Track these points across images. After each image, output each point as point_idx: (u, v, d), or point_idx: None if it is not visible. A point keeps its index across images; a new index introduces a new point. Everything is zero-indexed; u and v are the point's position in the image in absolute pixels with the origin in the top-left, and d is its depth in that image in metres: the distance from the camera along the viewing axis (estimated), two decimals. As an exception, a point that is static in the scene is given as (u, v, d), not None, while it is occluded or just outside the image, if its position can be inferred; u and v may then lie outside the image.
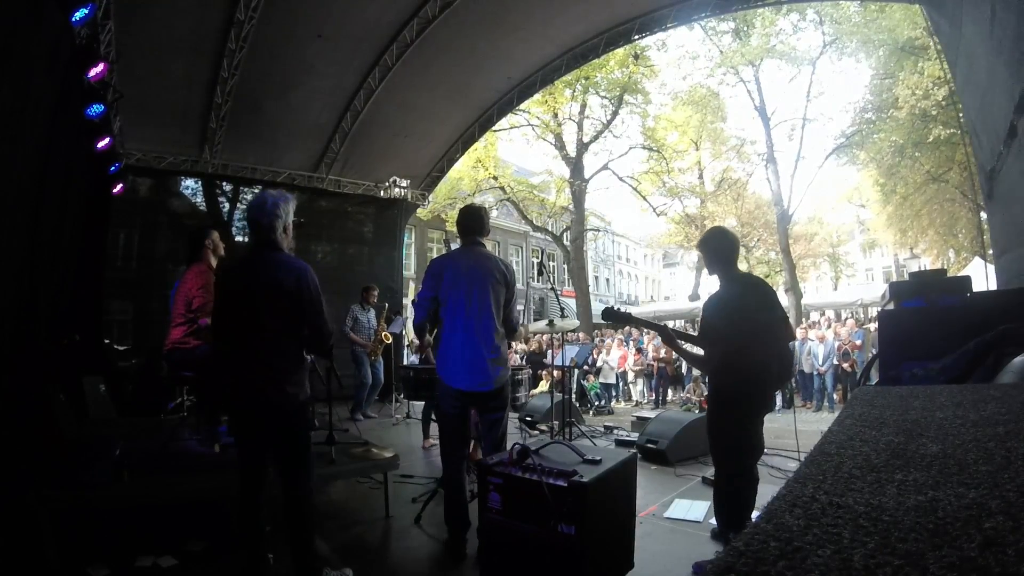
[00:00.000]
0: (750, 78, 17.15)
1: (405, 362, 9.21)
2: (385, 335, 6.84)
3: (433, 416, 5.13)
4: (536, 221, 20.33)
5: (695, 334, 2.97)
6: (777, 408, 9.55)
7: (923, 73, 12.99)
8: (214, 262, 3.57)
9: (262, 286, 2.24)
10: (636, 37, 8.16)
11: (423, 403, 5.36)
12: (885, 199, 17.43)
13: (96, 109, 5.02)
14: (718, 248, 2.80)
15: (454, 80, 8.21)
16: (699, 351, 2.92)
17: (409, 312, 11.04)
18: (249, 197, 8.67)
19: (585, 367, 10.91)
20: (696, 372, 10.59)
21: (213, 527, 2.84)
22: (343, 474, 3.47)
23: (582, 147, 18.67)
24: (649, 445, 4.63)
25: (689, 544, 2.86)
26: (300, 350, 2.35)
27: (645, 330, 15.84)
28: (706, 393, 3.01)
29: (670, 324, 3.02)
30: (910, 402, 1.13)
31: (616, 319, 3.00)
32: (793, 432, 4.31)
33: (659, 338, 2.91)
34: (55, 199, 4.21)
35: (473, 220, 2.98)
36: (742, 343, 2.57)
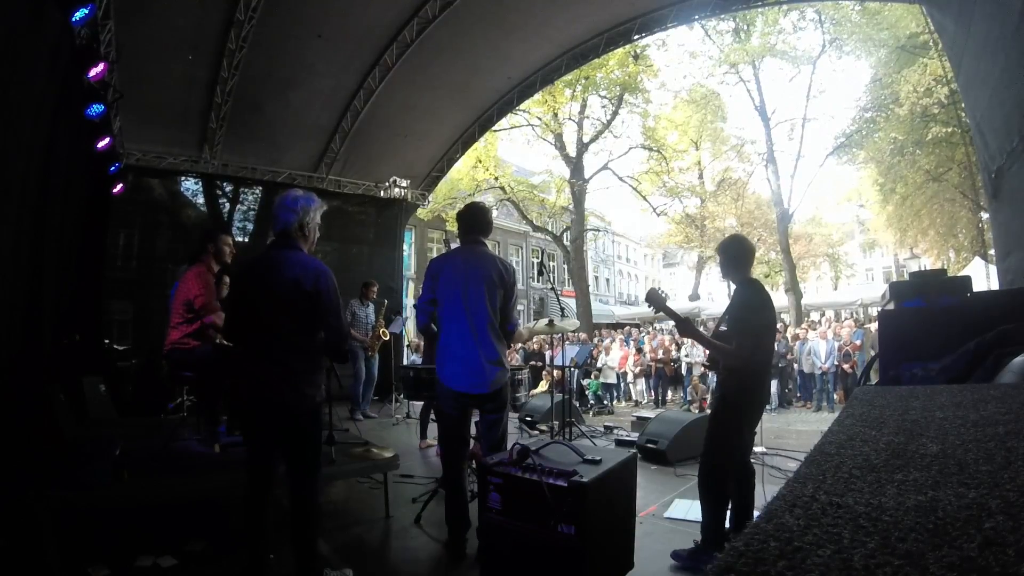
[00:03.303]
0: (750, 77, 17.17)
1: (405, 362, 9.21)
2: (383, 331, 6.85)
3: (433, 416, 5.13)
4: (536, 221, 20.32)
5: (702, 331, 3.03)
6: (773, 407, 9.58)
7: (925, 69, 12.97)
8: (215, 265, 3.57)
9: (280, 285, 2.21)
10: (636, 37, 8.15)
11: (422, 403, 5.36)
12: (885, 199, 17.44)
13: (96, 109, 5.02)
14: (738, 254, 2.87)
15: (454, 80, 8.21)
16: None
17: (409, 312, 11.05)
18: (249, 197, 8.69)
19: (585, 366, 10.92)
20: (695, 373, 10.59)
21: (213, 527, 2.84)
22: (343, 474, 3.47)
23: (582, 147, 18.67)
24: (649, 445, 4.63)
25: (689, 544, 2.86)
26: (317, 351, 2.32)
27: (645, 330, 15.86)
28: (714, 391, 3.06)
29: (670, 324, 3.03)
30: (910, 402, 1.13)
31: (656, 303, 2.97)
32: (791, 432, 4.31)
33: (664, 332, 2.95)
34: (55, 199, 4.21)
35: (475, 219, 2.96)
36: (762, 343, 2.69)
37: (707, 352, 3.12)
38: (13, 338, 3.27)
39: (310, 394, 2.24)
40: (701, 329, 3.06)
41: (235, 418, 3.62)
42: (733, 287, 2.94)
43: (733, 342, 2.68)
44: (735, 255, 2.86)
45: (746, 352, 2.61)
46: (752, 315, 2.69)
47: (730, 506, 2.86)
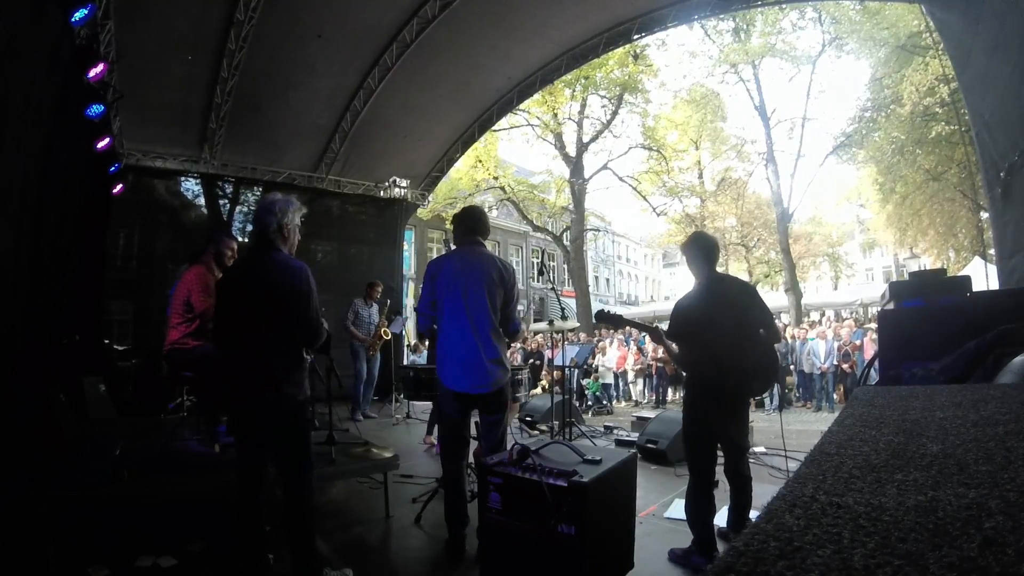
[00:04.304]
0: (750, 77, 17.17)
1: (405, 362, 9.21)
2: (384, 331, 6.85)
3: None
4: (536, 221, 20.32)
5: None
6: (772, 408, 9.57)
7: (927, 69, 12.97)
8: (215, 267, 3.56)
9: (258, 287, 2.25)
10: (636, 37, 8.15)
11: (425, 403, 5.36)
12: (885, 199, 17.44)
13: (96, 109, 5.02)
14: (692, 253, 2.88)
15: (454, 80, 8.21)
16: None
17: (409, 312, 11.04)
18: (250, 197, 8.70)
19: (585, 367, 10.91)
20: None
21: (213, 527, 2.85)
22: (343, 474, 3.47)
23: (582, 147, 18.67)
24: (649, 445, 4.63)
25: (687, 544, 2.86)
26: (299, 350, 2.34)
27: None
28: None
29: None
30: (910, 402, 1.13)
31: (608, 321, 3.07)
32: (791, 432, 4.33)
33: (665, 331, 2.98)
34: (55, 199, 4.22)
35: (473, 220, 2.97)
36: (707, 342, 2.65)
37: None
38: (14, 338, 3.27)
39: (290, 393, 2.25)
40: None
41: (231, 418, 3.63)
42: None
43: (680, 345, 2.79)
44: (690, 253, 2.88)
45: (681, 354, 2.70)
46: (676, 316, 2.81)
47: (727, 507, 2.86)
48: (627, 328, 17.12)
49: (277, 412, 2.24)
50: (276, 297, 2.23)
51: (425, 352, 8.37)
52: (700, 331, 2.69)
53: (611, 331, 14.34)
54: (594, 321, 3.59)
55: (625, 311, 26.67)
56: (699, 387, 2.77)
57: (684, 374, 3.12)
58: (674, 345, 2.88)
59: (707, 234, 3.08)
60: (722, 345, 2.61)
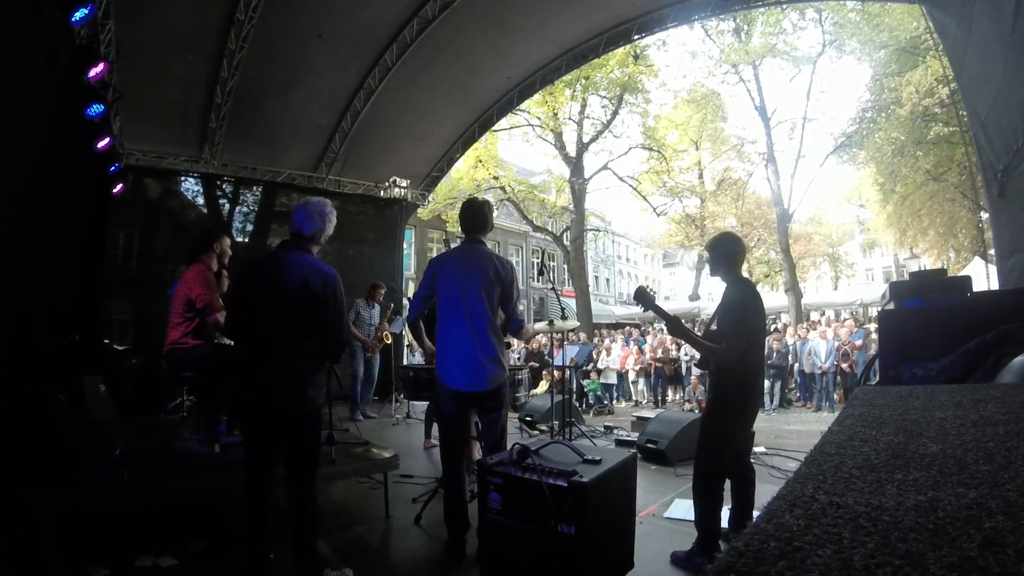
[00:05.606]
0: (750, 77, 17.15)
1: (405, 362, 9.21)
2: (385, 334, 6.84)
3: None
4: (536, 221, 20.31)
5: (698, 334, 3.02)
6: (773, 407, 9.58)
7: (927, 71, 12.98)
8: (215, 265, 3.56)
9: (289, 285, 2.21)
10: (636, 37, 8.15)
11: (426, 403, 5.36)
12: (885, 199, 17.43)
13: (96, 109, 5.01)
14: (728, 251, 2.83)
15: (454, 80, 8.21)
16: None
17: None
18: (249, 197, 8.69)
19: (584, 368, 10.90)
20: (695, 372, 10.58)
21: (213, 527, 2.85)
22: (343, 474, 3.47)
23: (582, 147, 18.66)
24: (649, 445, 4.62)
25: (689, 544, 2.86)
26: (320, 352, 2.32)
27: (646, 329, 15.86)
28: (707, 391, 3.04)
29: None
30: (910, 402, 1.13)
31: (644, 301, 2.97)
32: (791, 432, 4.32)
33: (665, 331, 2.95)
34: (55, 199, 4.21)
35: (474, 217, 2.97)
36: (754, 343, 2.66)
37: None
38: (12, 338, 3.26)
39: (313, 395, 2.24)
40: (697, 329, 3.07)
41: (234, 418, 3.62)
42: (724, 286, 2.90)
43: (723, 342, 2.66)
44: (725, 253, 2.82)
45: (736, 352, 2.58)
46: (745, 315, 2.65)
47: (729, 507, 2.86)
48: (627, 327, 17.14)
49: (297, 415, 2.20)
50: (306, 298, 2.20)
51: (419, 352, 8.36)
52: (763, 335, 2.74)
53: (614, 330, 14.34)
54: (634, 300, 3.52)
55: (625, 311, 26.68)
56: (751, 391, 2.73)
57: (702, 375, 3.11)
58: (697, 338, 2.86)
59: (732, 236, 3.04)
60: (762, 348, 2.69)
